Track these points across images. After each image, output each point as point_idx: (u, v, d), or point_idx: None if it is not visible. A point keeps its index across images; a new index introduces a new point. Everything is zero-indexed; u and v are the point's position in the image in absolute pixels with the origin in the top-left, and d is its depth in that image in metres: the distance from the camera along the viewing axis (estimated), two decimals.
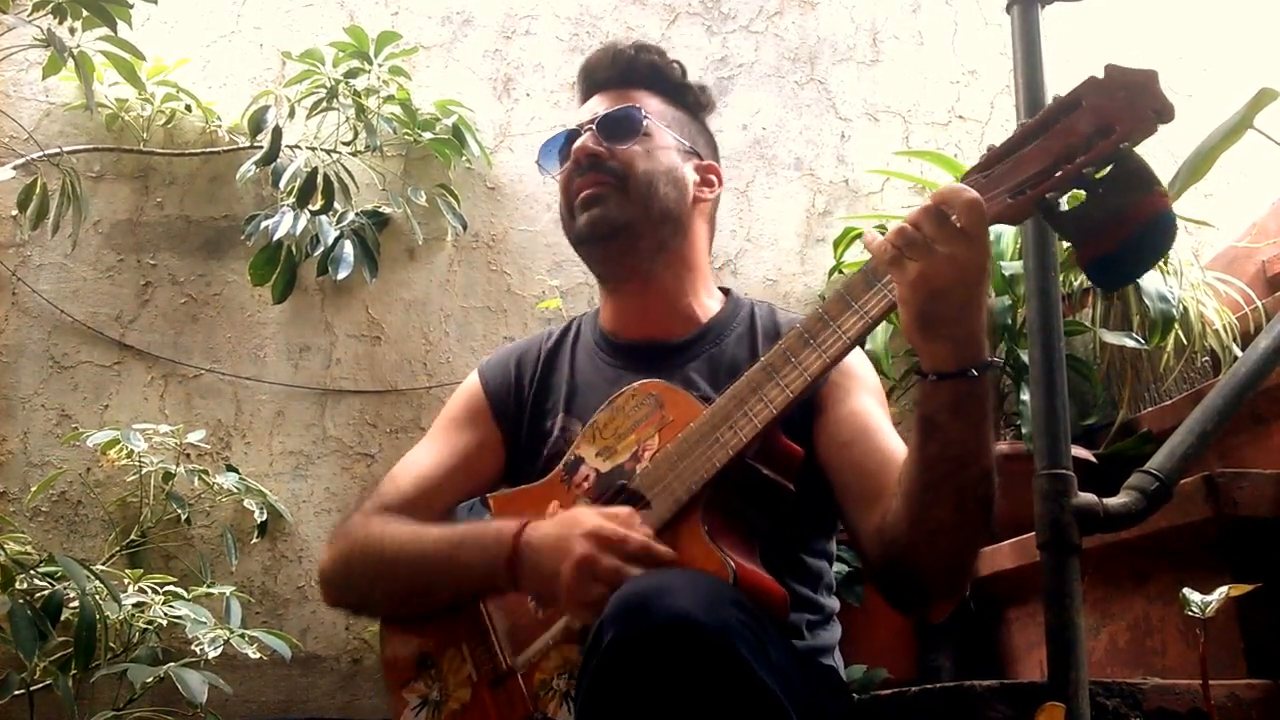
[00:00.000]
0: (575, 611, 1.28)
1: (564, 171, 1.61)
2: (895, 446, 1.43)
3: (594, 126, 1.58)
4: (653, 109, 1.62)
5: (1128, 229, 1.14)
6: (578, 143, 1.58)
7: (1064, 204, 1.20)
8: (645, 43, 1.70)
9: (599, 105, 1.62)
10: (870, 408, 1.49)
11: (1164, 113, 1.13)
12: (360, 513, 1.56)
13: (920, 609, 1.40)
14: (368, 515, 1.55)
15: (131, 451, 2.21)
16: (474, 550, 1.41)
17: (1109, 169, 1.15)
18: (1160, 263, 2.39)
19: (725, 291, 1.68)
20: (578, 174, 1.57)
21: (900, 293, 1.20)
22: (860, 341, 1.28)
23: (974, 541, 1.28)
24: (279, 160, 2.44)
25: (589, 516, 1.29)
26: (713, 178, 1.66)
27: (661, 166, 1.58)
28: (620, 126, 1.58)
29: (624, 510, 1.30)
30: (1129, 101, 1.13)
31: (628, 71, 1.64)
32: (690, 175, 1.62)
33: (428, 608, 1.50)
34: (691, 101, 1.70)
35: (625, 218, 1.54)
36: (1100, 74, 1.15)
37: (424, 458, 1.62)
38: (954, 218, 1.16)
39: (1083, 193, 1.17)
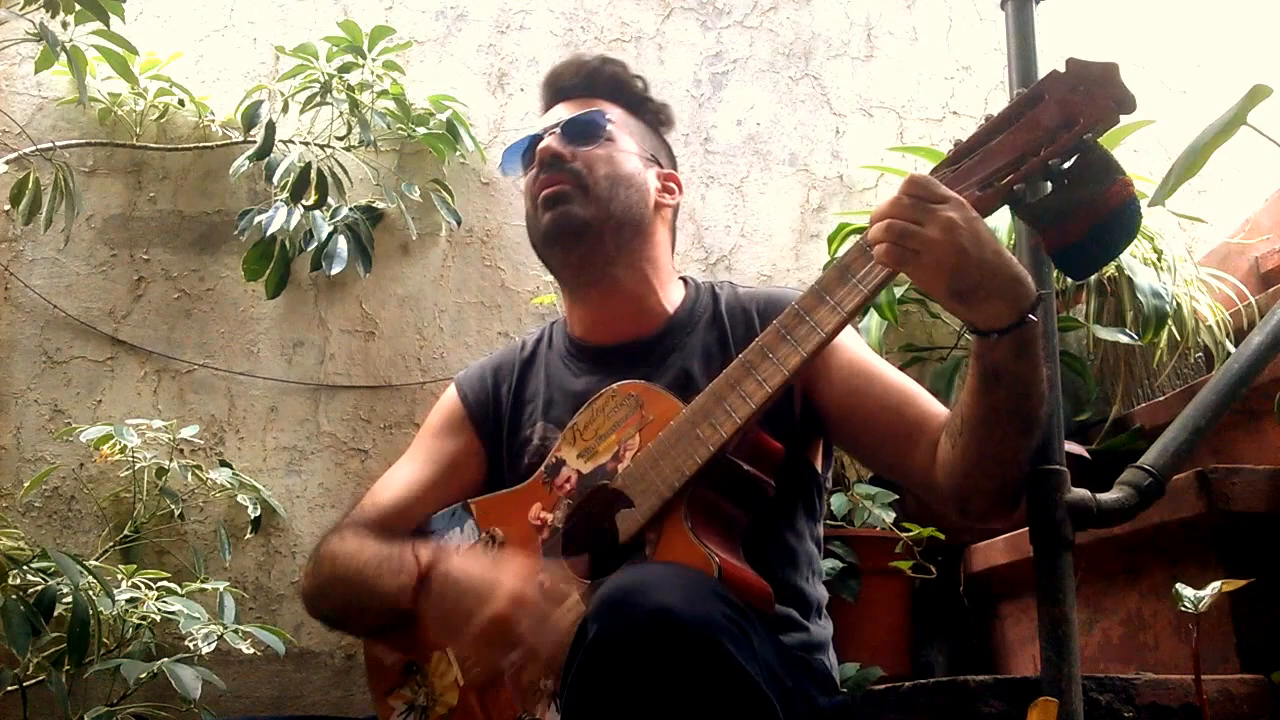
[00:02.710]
0: (472, 664, 1.32)
1: (528, 174, 1.64)
2: (903, 380, 1.49)
3: (558, 129, 1.61)
4: (615, 117, 1.65)
5: (1094, 217, 1.16)
6: (542, 144, 1.60)
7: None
8: (609, 55, 1.76)
9: (563, 112, 1.67)
10: (864, 354, 1.53)
11: (1124, 103, 1.15)
12: (335, 530, 1.58)
13: (991, 520, 1.43)
14: (338, 530, 1.56)
15: (125, 447, 2.20)
16: (389, 571, 1.41)
17: (1074, 160, 1.17)
18: (1154, 259, 2.39)
19: (684, 280, 1.69)
20: (541, 172, 1.59)
21: (924, 283, 1.22)
22: (836, 336, 1.29)
23: (1033, 448, 1.31)
24: (272, 155, 2.44)
25: (521, 572, 1.31)
26: (673, 185, 1.69)
27: (623, 170, 1.60)
28: (584, 130, 1.62)
29: (559, 583, 1.30)
30: (1090, 94, 1.15)
31: (592, 81, 1.69)
32: (652, 181, 1.64)
33: (368, 629, 1.53)
34: (651, 116, 1.73)
35: (586, 216, 1.56)
36: (1062, 68, 1.17)
37: (404, 472, 1.64)
38: (914, 194, 1.18)
39: (1049, 184, 1.18)
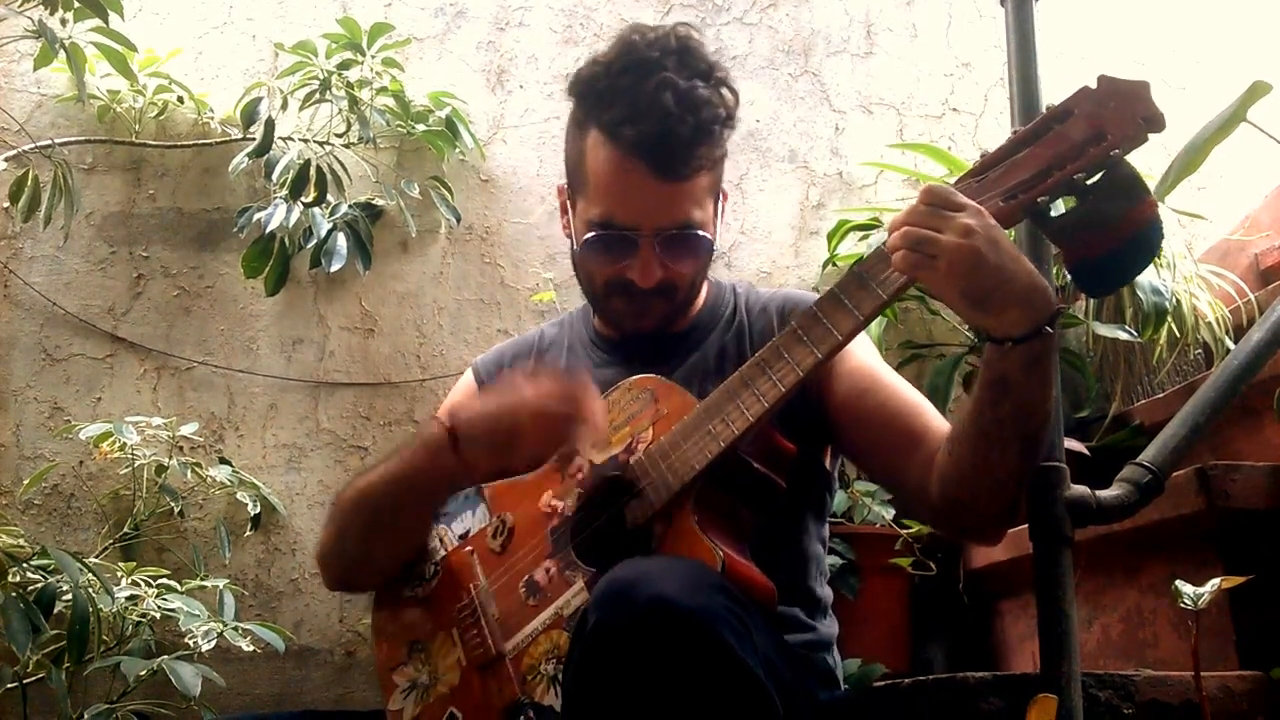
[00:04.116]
0: (537, 450, 1.37)
1: (611, 269, 1.52)
2: (909, 392, 1.48)
3: (657, 244, 1.48)
4: (706, 193, 1.51)
5: (1116, 236, 1.16)
6: (639, 266, 1.48)
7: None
8: (708, 119, 1.46)
9: (655, 203, 1.47)
10: (873, 361, 1.53)
11: (1154, 121, 1.15)
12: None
13: (983, 539, 1.43)
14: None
15: (124, 444, 2.20)
16: (418, 449, 1.44)
17: (1099, 176, 1.17)
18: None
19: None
20: (630, 294, 1.52)
21: (941, 290, 1.21)
22: (852, 339, 1.30)
23: (1033, 469, 1.31)
24: (272, 152, 2.44)
25: (528, 373, 1.39)
26: (723, 206, 1.61)
27: (706, 264, 1.58)
28: (686, 245, 1.50)
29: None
30: (1120, 111, 1.16)
31: (693, 165, 1.47)
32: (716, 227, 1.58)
33: (403, 535, 1.53)
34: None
35: (668, 318, 1.57)
36: (1093, 84, 1.18)
37: None
38: (930, 202, 1.19)
39: (1073, 199, 1.18)
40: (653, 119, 1.42)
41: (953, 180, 1.27)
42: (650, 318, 1.55)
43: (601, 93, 1.49)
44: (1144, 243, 1.17)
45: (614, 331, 1.64)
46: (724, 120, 1.50)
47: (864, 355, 1.52)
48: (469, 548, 1.50)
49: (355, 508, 1.51)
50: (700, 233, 1.50)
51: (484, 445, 1.37)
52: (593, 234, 1.50)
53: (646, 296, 1.52)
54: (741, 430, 1.30)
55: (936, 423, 1.43)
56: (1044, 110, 1.23)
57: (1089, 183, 1.17)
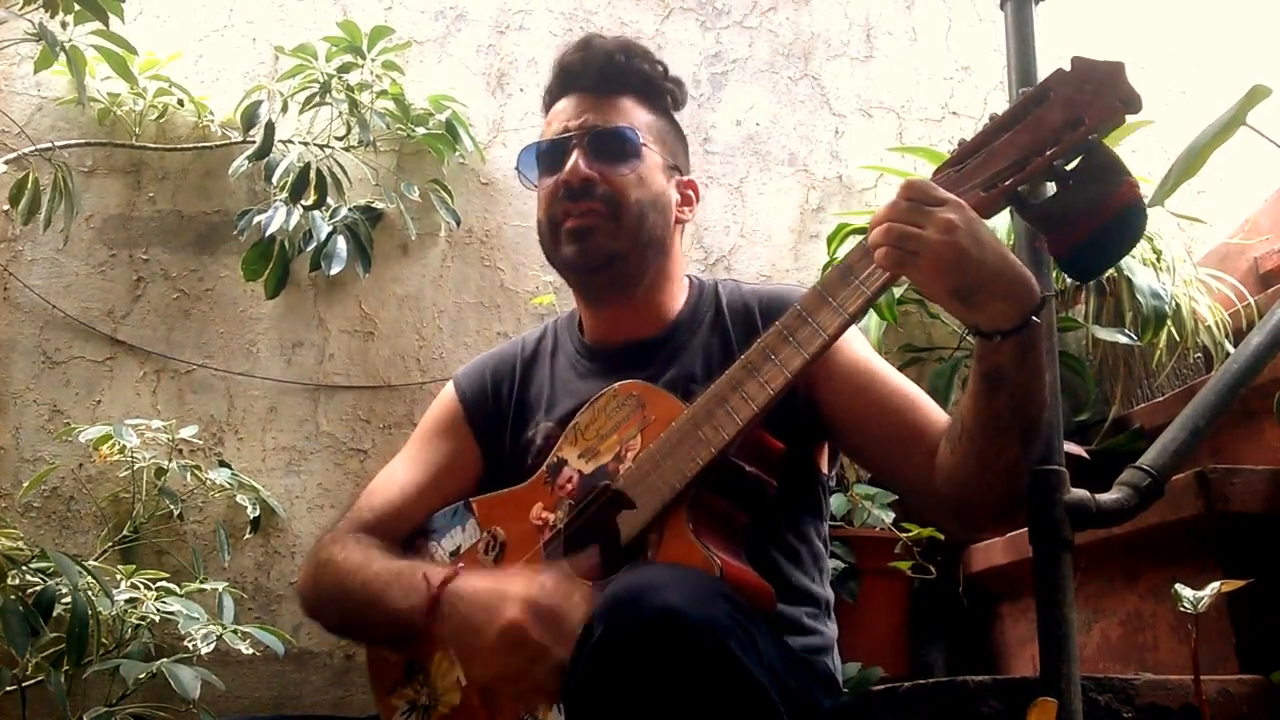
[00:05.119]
0: (491, 677, 1.29)
1: (549, 187, 1.55)
2: (906, 385, 1.48)
3: (585, 142, 1.53)
4: (641, 122, 1.57)
5: (1099, 219, 1.14)
6: (569, 164, 1.52)
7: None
8: (631, 44, 1.62)
9: (584, 112, 1.56)
10: (868, 355, 1.51)
11: (1131, 103, 1.14)
12: (333, 532, 1.56)
13: (987, 531, 1.41)
14: (337, 536, 1.54)
15: (124, 447, 2.20)
16: (399, 591, 1.39)
17: (1079, 160, 1.16)
18: (1153, 259, 2.40)
19: (688, 278, 1.67)
20: (567, 198, 1.52)
21: (925, 286, 1.21)
22: (838, 338, 1.28)
23: (1035, 456, 1.31)
24: (272, 155, 2.44)
25: (526, 580, 1.28)
26: (691, 194, 1.64)
27: (650, 194, 1.55)
28: (614, 147, 1.54)
29: (564, 582, 1.28)
30: (1096, 93, 1.14)
31: (616, 77, 1.58)
32: (674, 195, 1.60)
33: (370, 641, 1.50)
34: (671, 104, 1.65)
35: (616, 248, 1.52)
36: (1067, 66, 1.16)
37: (399, 472, 1.62)
38: (911, 197, 1.18)
39: (1054, 184, 1.18)
40: (579, 46, 1.61)
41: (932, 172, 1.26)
42: (595, 240, 1.51)
43: (552, 75, 1.65)
44: (1127, 225, 1.16)
45: (571, 272, 1.59)
46: (651, 61, 1.61)
47: (858, 350, 1.50)
48: (461, 564, 1.45)
49: (339, 596, 1.47)
50: (629, 133, 1.54)
51: (452, 632, 1.33)
52: (530, 145, 1.59)
53: (578, 198, 1.51)
54: (732, 435, 1.29)
55: (936, 415, 1.42)
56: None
57: (1069, 168, 1.16)
